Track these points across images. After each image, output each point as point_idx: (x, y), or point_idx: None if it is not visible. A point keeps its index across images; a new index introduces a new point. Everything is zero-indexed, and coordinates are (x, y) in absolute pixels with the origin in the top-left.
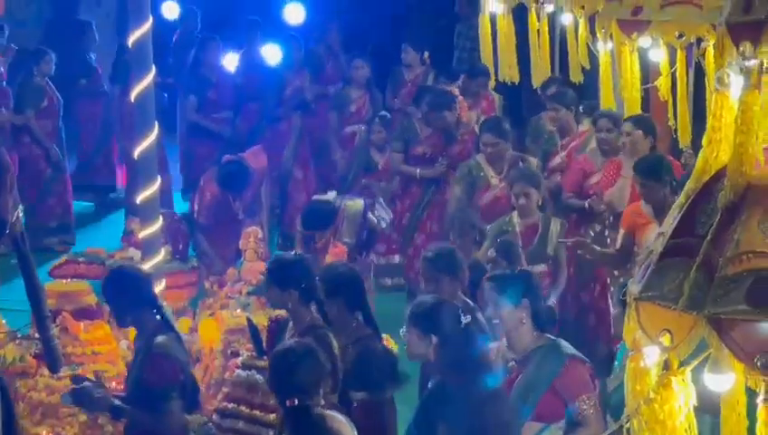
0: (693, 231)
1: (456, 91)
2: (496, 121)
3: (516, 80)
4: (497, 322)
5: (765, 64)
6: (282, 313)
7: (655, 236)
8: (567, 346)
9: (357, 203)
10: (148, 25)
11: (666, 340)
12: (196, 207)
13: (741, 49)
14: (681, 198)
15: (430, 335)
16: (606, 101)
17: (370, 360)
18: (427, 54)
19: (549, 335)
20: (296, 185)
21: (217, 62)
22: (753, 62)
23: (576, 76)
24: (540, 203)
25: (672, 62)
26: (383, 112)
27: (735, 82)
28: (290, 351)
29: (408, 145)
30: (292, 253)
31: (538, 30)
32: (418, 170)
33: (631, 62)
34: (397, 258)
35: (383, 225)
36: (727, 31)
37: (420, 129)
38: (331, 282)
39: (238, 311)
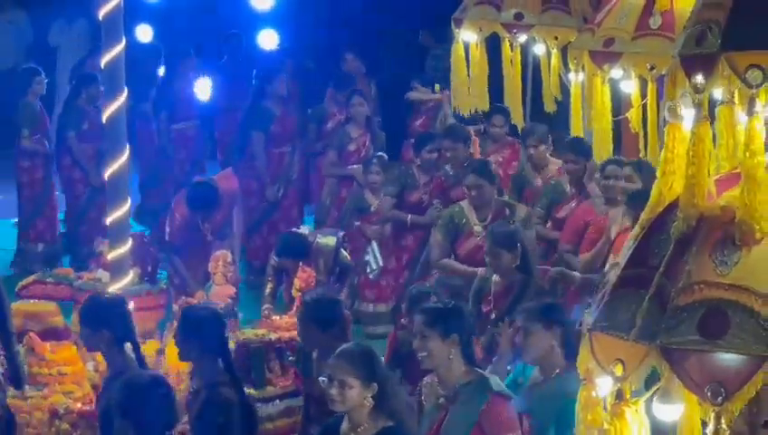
0: (646, 262)
1: (472, 132)
2: (481, 163)
3: (486, 109)
4: (424, 354)
5: (721, 96)
6: (252, 337)
7: (609, 267)
8: (496, 382)
9: (329, 239)
10: (120, 47)
11: (618, 370)
12: (167, 229)
13: (693, 81)
14: (636, 229)
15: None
16: (576, 131)
17: (219, 408)
18: (438, 87)
19: (479, 370)
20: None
21: (192, 77)
22: (703, 95)
23: (549, 106)
24: (516, 263)
25: (643, 94)
26: (380, 153)
27: (688, 115)
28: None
29: (403, 191)
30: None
31: (511, 60)
32: (410, 217)
33: (602, 94)
34: (384, 307)
35: (371, 270)
36: (680, 63)
37: (419, 176)
38: (189, 322)
39: None
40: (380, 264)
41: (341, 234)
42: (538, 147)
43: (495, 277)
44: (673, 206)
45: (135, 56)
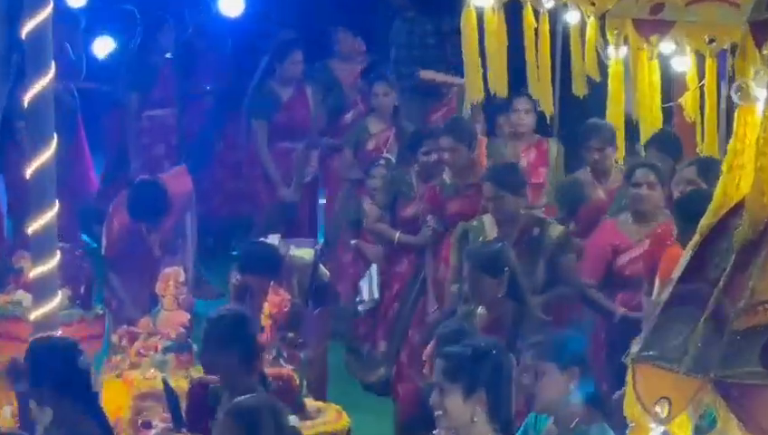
0: (705, 275)
1: (479, 131)
2: (504, 168)
3: (505, 94)
4: (439, 413)
5: None
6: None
7: (666, 283)
8: None
9: (305, 252)
10: (47, 12)
11: (662, 410)
12: (104, 241)
13: (765, 52)
14: (696, 236)
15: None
16: (614, 120)
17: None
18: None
19: None
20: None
21: (169, 47)
22: None
23: (579, 88)
24: (501, 292)
25: (701, 74)
26: (387, 155)
27: (763, 95)
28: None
29: (396, 202)
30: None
31: (536, 30)
32: (398, 235)
33: (649, 73)
34: (380, 347)
35: (361, 301)
36: (750, 31)
37: (416, 184)
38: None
39: (152, 371)
40: (375, 296)
41: (319, 245)
42: (603, 150)
43: (481, 310)
44: (739, 207)
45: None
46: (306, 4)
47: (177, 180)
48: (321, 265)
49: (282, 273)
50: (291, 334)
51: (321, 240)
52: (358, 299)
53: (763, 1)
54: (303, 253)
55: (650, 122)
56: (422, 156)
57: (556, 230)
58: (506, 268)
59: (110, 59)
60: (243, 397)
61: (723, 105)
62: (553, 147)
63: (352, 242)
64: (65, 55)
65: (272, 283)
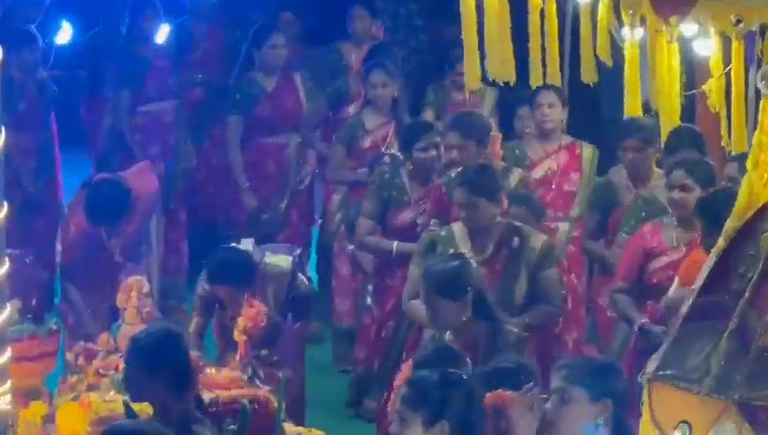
0: (728, 285)
1: (493, 126)
2: (477, 169)
3: (512, 79)
4: None
5: None
6: None
7: (687, 295)
8: None
9: (282, 259)
10: None
11: None
12: (59, 247)
13: None
14: (720, 241)
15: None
16: (632, 110)
17: None
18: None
19: None
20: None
21: (154, 34)
22: None
23: (589, 75)
24: (464, 316)
25: (727, 59)
26: (392, 152)
27: None
28: None
29: (388, 208)
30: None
31: (542, 10)
32: (395, 245)
33: (669, 57)
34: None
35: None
36: None
37: (411, 186)
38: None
39: (112, 393)
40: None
41: (298, 251)
42: (644, 150)
43: (448, 335)
44: (766, 209)
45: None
46: None
47: (141, 179)
48: (299, 274)
49: (256, 282)
50: (265, 351)
51: (314, 251)
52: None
53: None
54: (280, 260)
55: (669, 113)
56: (417, 152)
57: (538, 240)
58: (468, 288)
59: (88, 43)
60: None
61: (751, 93)
62: (587, 150)
63: (349, 248)
64: (34, 39)
65: (245, 294)
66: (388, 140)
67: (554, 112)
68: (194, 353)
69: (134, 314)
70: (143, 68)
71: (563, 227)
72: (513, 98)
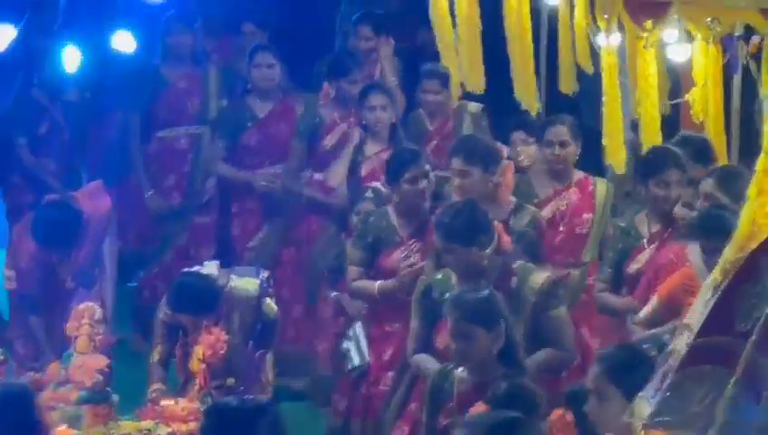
0: (731, 326)
1: (505, 153)
2: (456, 208)
3: (481, 89)
4: None
5: None
6: (133, 433)
7: (676, 331)
8: None
9: (249, 283)
10: None
11: None
12: (6, 271)
13: None
14: (716, 274)
15: None
16: (611, 122)
17: None
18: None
19: None
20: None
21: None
22: None
23: (567, 85)
24: (497, 347)
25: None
26: (375, 184)
27: None
28: None
29: (377, 250)
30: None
31: (517, 13)
32: (377, 285)
33: (647, 65)
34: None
35: (352, 367)
36: None
37: (399, 223)
38: None
39: (64, 427)
40: (367, 358)
41: (266, 274)
42: (669, 186)
43: (460, 372)
44: None
45: None
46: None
47: (94, 199)
48: (267, 299)
49: (221, 307)
50: (231, 380)
51: None
52: (349, 366)
53: None
54: (246, 283)
55: (648, 124)
56: (405, 184)
57: (539, 278)
58: (501, 319)
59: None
60: None
61: (735, 103)
62: (601, 187)
63: (332, 294)
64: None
65: (209, 320)
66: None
67: (568, 151)
68: (156, 387)
69: (86, 342)
70: (157, 88)
71: (574, 273)
72: (513, 123)
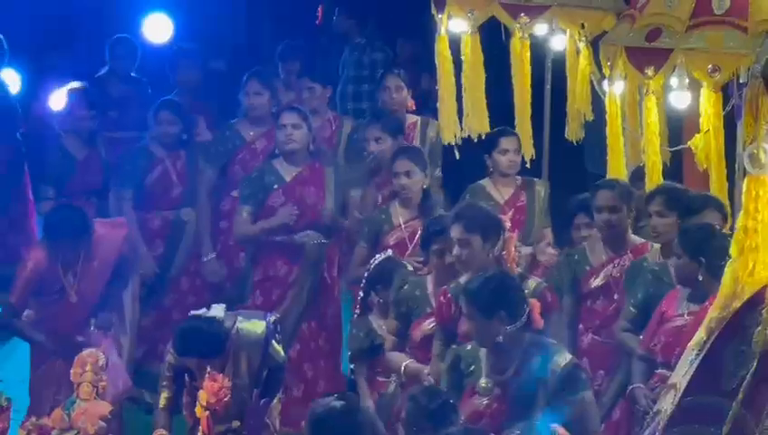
0: (717, 385)
1: (507, 224)
2: (494, 278)
3: (486, 131)
4: None
5: None
6: None
7: (663, 389)
8: None
9: (256, 325)
10: None
11: None
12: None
13: None
14: (701, 333)
15: None
16: (615, 168)
17: None
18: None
19: None
20: None
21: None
22: None
23: (573, 132)
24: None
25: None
26: (388, 253)
27: None
28: None
29: (408, 319)
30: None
31: (520, 57)
32: (404, 365)
33: (649, 111)
34: None
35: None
36: (764, 86)
37: (434, 292)
38: None
39: None
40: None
41: (272, 317)
42: (665, 216)
43: (483, 351)
44: (756, 300)
45: None
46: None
47: (109, 227)
48: (274, 343)
49: (228, 350)
50: (236, 422)
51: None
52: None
53: None
54: (254, 326)
55: (651, 171)
56: (433, 257)
57: (562, 359)
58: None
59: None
60: None
61: (739, 149)
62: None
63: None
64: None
65: (215, 364)
66: (416, 238)
67: (620, 217)
68: (161, 433)
69: (88, 389)
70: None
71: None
72: (575, 205)
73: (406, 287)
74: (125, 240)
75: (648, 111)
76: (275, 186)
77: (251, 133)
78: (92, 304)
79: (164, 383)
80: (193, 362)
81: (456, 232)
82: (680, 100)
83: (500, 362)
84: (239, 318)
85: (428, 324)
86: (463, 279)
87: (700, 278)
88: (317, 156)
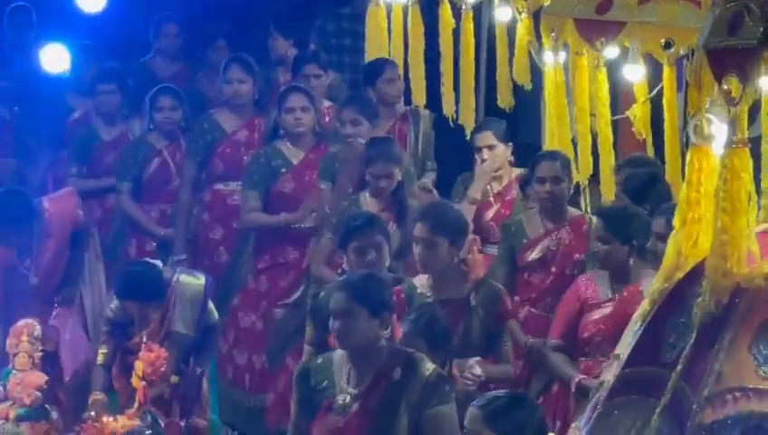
0: (658, 356)
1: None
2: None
3: (422, 104)
4: None
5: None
6: None
7: (608, 362)
8: None
9: (197, 278)
10: None
11: None
12: None
13: (724, 86)
14: (644, 305)
15: None
16: (553, 139)
17: None
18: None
19: None
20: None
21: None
22: (739, 107)
23: (505, 99)
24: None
25: (655, 83)
26: None
27: (720, 133)
28: None
29: None
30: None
31: (454, 30)
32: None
33: (600, 84)
34: None
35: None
36: (707, 59)
37: None
38: None
39: None
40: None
41: (210, 279)
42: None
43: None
44: (697, 272)
45: None
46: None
47: (59, 201)
48: (210, 303)
49: (167, 300)
50: (174, 377)
51: None
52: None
53: (724, 23)
54: (194, 279)
55: (603, 142)
56: (353, 255)
57: (427, 369)
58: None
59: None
60: None
61: (681, 122)
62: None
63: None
64: None
65: (156, 311)
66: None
67: (561, 188)
68: (97, 398)
69: (24, 360)
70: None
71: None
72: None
73: (322, 294)
74: (76, 209)
75: (600, 85)
76: (283, 169)
77: (232, 124)
78: (55, 283)
79: (103, 338)
80: (133, 306)
81: (420, 231)
82: (633, 72)
83: (357, 370)
84: (179, 270)
85: None
86: (419, 283)
87: (630, 262)
88: (322, 137)
